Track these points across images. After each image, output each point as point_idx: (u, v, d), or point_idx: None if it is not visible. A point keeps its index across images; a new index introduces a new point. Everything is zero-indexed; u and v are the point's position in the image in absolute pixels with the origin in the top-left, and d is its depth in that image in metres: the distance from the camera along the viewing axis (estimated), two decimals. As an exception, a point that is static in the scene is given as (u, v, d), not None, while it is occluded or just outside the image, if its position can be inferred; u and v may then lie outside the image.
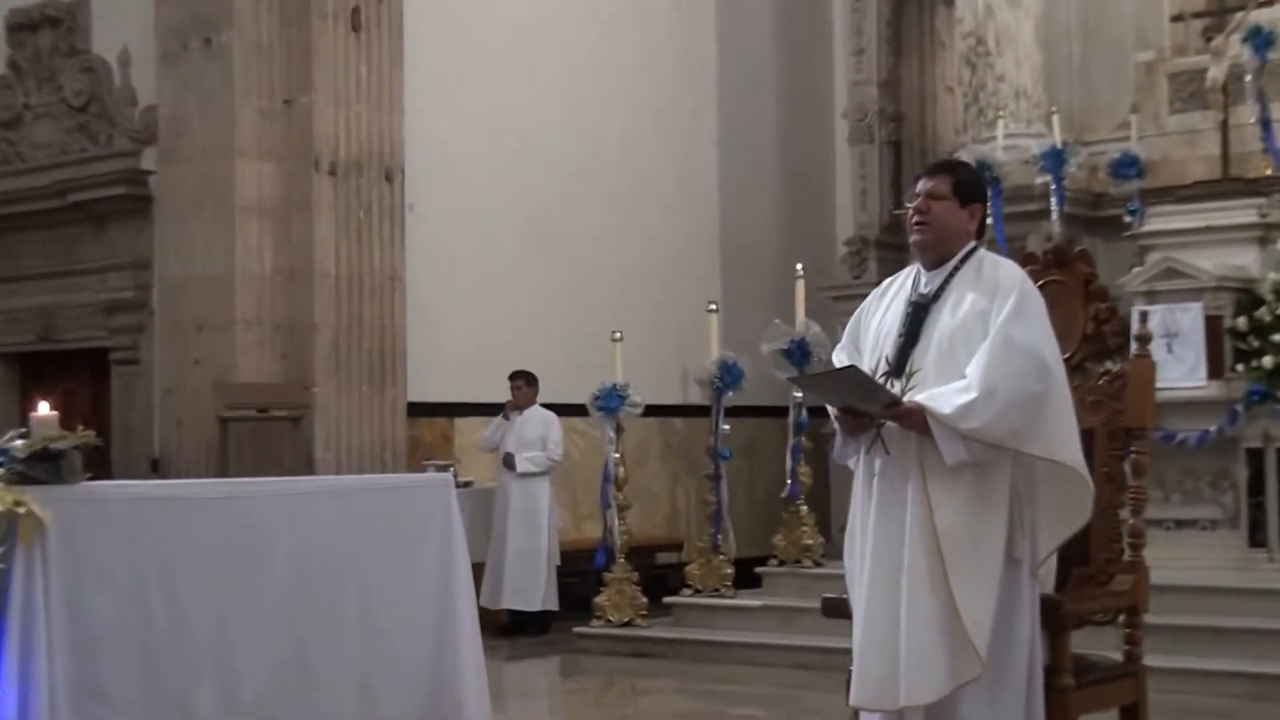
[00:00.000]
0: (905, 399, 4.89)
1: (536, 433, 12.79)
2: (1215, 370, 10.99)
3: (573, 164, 14.28)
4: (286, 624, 6.36)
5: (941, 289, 5.03)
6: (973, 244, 5.10)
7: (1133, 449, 5.51)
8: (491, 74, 13.74)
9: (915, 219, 5.10)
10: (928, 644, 4.79)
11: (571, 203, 14.26)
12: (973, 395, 4.77)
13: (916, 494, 4.87)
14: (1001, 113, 12.76)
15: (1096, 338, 5.62)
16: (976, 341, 4.87)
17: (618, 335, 12.03)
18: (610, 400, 12.03)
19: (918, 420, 4.83)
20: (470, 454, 13.32)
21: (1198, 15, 12.45)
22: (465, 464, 13.05)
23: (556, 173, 14.16)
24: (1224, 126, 11.88)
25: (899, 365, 4.98)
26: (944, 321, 4.97)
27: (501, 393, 12.90)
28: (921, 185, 5.13)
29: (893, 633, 4.85)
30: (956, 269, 5.04)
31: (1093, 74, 13.36)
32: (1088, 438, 5.42)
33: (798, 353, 12.05)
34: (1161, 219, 11.72)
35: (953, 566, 4.78)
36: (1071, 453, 4.89)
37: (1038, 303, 4.96)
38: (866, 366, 5.05)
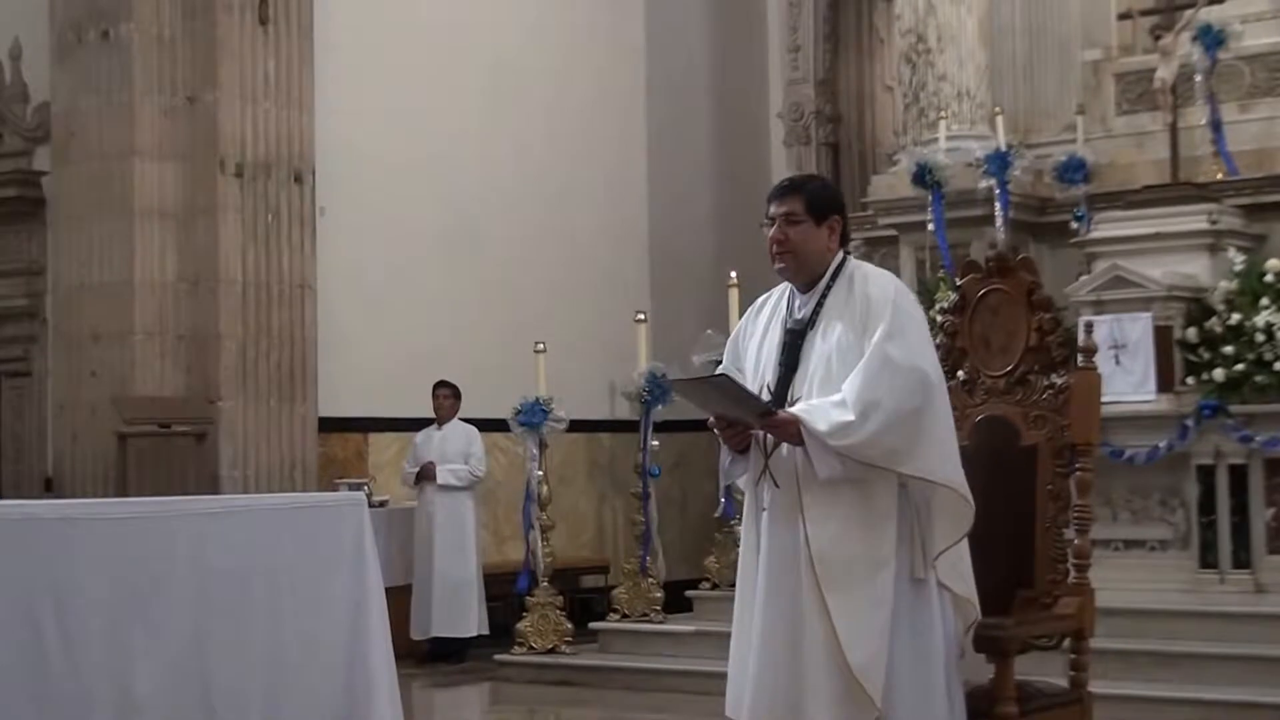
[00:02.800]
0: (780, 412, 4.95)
1: (459, 448, 12.79)
2: (1165, 383, 11.05)
3: (494, 166, 14.27)
4: (189, 654, 6.32)
5: (815, 313, 5.08)
6: (840, 257, 5.15)
7: (1078, 466, 5.55)
8: (407, 69, 13.71)
9: (775, 248, 5.13)
10: (827, 676, 4.86)
11: (492, 207, 14.24)
12: (849, 415, 4.82)
13: (801, 522, 4.94)
14: (943, 113, 12.81)
15: (1040, 349, 5.66)
16: (853, 366, 4.92)
17: (541, 346, 12.01)
18: (533, 415, 12.00)
19: (792, 431, 4.88)
20: (385, 472, 13.28)
21: (1146, 13, 12.53)
22: (380, 482, 13.02)
23: (476, 175, 14.14)
24: (1173, 129, 11.95)
25: (780, 395, 5.04)
26: (819, 348, 5.03)
27: (418, 407, 12.87)
28: (773, 210, 5.14)
29: (793, 660, 4.93)
30: (828, 289, 5.09)
31: (1037, 73, 13.41)
32: (1031, 454, 5.48)
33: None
34: (1109, 225, 11.81)
35: (830, 590, 4.85)
36: (949, 470, 4.93)
37: (915, 316, 5.03)
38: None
